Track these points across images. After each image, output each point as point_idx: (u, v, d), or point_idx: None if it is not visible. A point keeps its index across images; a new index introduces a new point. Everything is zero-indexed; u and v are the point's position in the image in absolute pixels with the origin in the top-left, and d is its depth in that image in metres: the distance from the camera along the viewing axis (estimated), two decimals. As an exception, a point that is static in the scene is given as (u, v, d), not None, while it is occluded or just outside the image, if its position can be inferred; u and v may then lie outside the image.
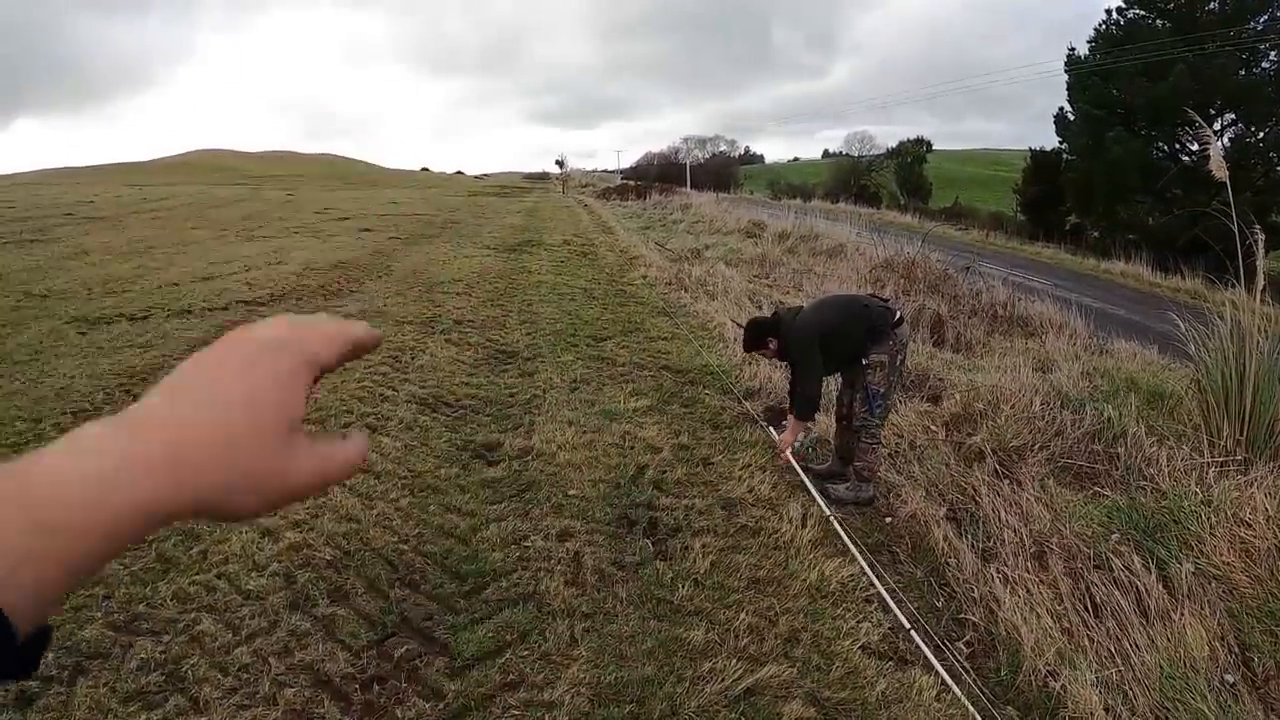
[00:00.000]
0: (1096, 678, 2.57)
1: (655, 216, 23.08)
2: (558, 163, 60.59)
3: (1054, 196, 29.44)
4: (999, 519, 3.90)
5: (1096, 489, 4.26)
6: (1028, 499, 4.08)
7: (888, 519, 3.91)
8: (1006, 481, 4.37)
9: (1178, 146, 24.83)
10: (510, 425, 4.55)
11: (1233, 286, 4.66)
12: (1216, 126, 23.49)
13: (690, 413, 5.01)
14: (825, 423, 4.83)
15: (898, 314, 4.13)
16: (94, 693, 2.25)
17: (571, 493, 3.69)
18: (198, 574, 2.85)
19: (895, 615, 2.92)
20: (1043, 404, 5.10)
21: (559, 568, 3.02)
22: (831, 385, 4.72)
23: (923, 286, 9.89)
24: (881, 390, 4.02)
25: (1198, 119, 4.94)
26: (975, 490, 4.26)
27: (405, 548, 3.12)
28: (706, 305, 8.70)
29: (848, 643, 2.69)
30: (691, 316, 8.14)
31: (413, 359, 5.76)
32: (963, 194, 46.91)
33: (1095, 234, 26.59)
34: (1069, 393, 5.28)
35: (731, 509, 3.68)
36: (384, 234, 14.54)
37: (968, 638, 2.90)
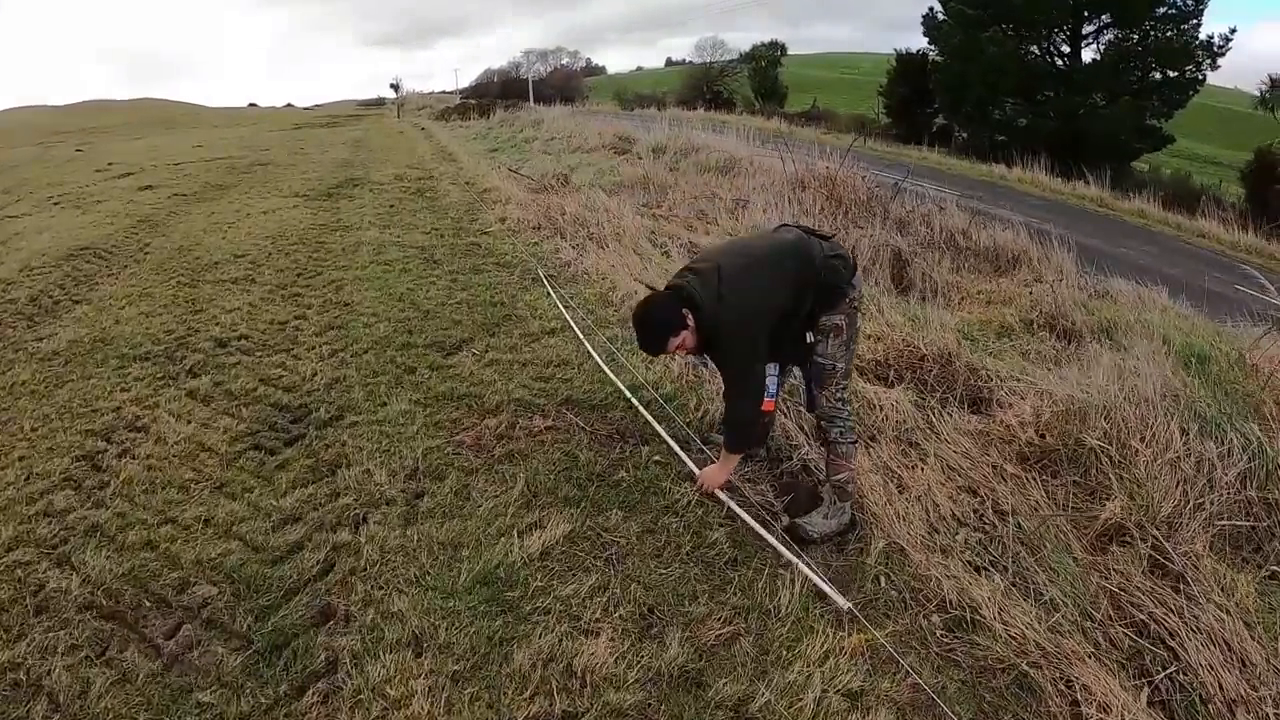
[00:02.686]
0: None
1: (504, 136, 19.76)
2: (393, 86, 56.66)
3: (920, 98, 28.82)
4: (1216, 676, 2.19)
5: (1266, 566, 2.70)
6: (1228, 624, 2.36)
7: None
8: (1176, 585, 2.66)
9: (1050, 48, 24.28)
10: (286, 670, 2.06)
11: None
12: (1091, 29, 23.13)
13: (651, 534, 2.71)
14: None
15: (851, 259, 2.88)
16: None
17: None
18: None
19: None
20: (1181, 433, 3.29)
21: None
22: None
23: (857, 213, 7.80)
24: (841, 366, 2.77)
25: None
26: (1164, 621, 2.48)
27: None
28: (597, 259, 6.23)
29: None
30: (581, 283, 5.71)
31: (120, 458, 3.15)
32: (817, 98, 45.94)
33: (963, 136, 26.02)
34: (1202, 409, 3.44)
35: None
36: (167, 190, 11.09)
37: None
